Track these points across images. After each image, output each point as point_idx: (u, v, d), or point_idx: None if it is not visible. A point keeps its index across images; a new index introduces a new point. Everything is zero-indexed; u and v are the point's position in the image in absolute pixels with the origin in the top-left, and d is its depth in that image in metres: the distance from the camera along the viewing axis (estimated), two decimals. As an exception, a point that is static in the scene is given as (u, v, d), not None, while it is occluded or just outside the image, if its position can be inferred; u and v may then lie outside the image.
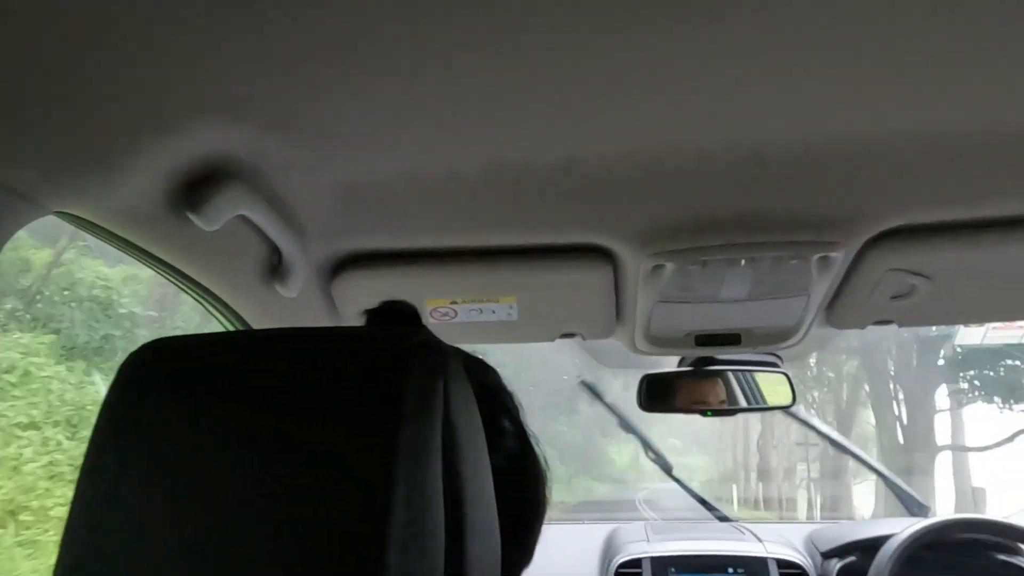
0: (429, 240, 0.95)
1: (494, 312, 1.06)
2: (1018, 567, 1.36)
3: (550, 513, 0.63)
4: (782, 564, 1.39)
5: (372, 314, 0.53)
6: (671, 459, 2.06)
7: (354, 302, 1.02)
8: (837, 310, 1.06)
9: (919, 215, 0.86)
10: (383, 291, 1.02)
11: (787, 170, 0.77)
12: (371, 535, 0.41)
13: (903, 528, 1.19)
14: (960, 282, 0.96)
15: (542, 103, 0.65)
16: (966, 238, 0.88)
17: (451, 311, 1.05)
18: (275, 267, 0.86)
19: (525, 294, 1.02)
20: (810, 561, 1.42)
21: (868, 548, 1.37)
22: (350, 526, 0.41)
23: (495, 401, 0.61)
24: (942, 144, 0.72)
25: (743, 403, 1.32)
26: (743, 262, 0.91)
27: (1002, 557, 1.38)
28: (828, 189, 0.81)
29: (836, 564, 1.40)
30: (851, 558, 1.40)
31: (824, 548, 1.44)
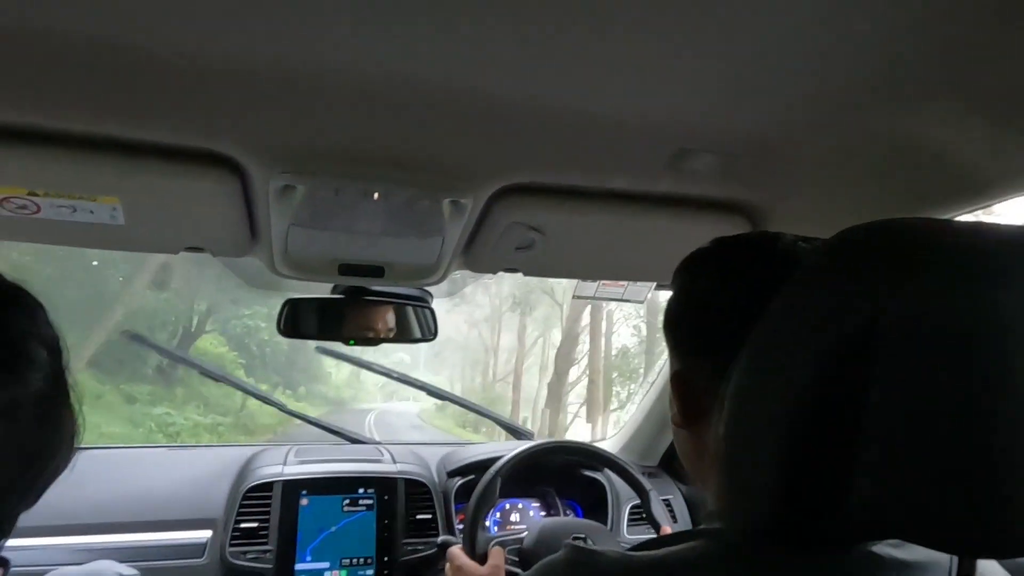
0: None
1: (92, 212, 0.90)
2: (598, 480, 1.65)
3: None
4: (409, 483, 1.49)
5: None
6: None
7: None
8: (472, 254, 1.12)
9: (538, 175, 0.93)
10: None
11: (425, 113, 0.76)
12: None
13: (508, 451, 1.35)
14: (570, 241, 1.08)
15: None
16: (575, 203, 0.99)
17: (31, 204, 0.86)
18: None
19: (131, 197, 0.88)
20: (436, 479, 1.55)
21: (484, 467, 1.54)
22: None
23: (19, 327, 0.51)
24: (562, 117, 0.77)
25: (389, 334, 1.35)
26: (376, 195, 0.90)
27: (588, 473, 1.67)
28: (461, 139, 0.82)
29: (457, 482, 1.55)
30: (471, 476, 1.55)
31: (450, 468, 1.58)
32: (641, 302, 1.43)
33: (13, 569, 1.22)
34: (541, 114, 0.77)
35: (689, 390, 0.64)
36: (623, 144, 0.85)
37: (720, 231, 1.01)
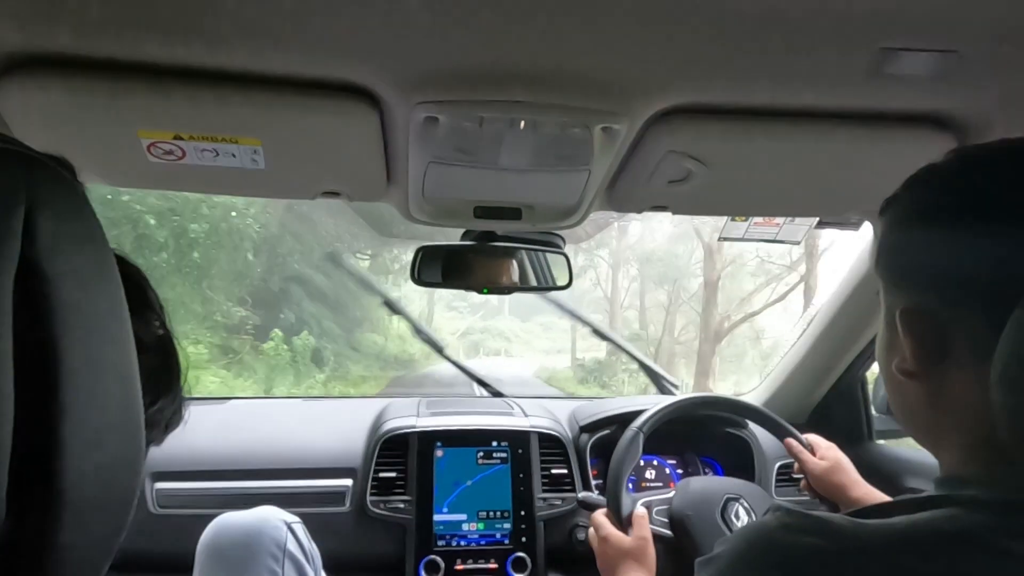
0: (140, 48, 0.72)
1: (234, 156, 0.87)
2: (741, 437, 1.54)
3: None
4: (543, 437, 1.44)
5: None
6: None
7: (28, 123, 0.78)
8: (617, 190, 1.02)
9: (705, 93, 0.81)
10: (75, 111, 0.79)
11: (576, 25, 0.66)
12: None
13: (650, 405, 1.27)
14: (736, 171, 0.95)
15: None
16: (746, 124, 0.86)
17: (176, 149, 0.85)
18: None
19: (272, 137, 0.84)
20: (569, 434, 1.49)
21: (620, 422, 1.46)
22: None
23: (139, 278, 0.56)
24: (743, 13, 0.65)
25: (521, 282, 1.28)
26: (523, 124, 0.81)
27: (729, 430, 1.55)
28: (619, 53, 0.72)
29: (591, 437, 1.48)
30: (605, 431, 1.48)
31: (583, 422, 1.51)
32: (797, 242, 1.28)
33: (179, 511, 1.29)
34: (716, 11, 0.64)
35: (930, 331, 0.52)
36: (813, 47, 0.71)
37: (920, 151, 0.84)
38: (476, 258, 1.25)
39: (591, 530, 1.12)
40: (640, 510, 1.09)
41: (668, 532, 1.16)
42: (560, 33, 0.68)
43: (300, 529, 1.05)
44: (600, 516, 1.11)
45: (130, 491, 0.41)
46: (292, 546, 1.01)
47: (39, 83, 0.74)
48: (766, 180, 1.00)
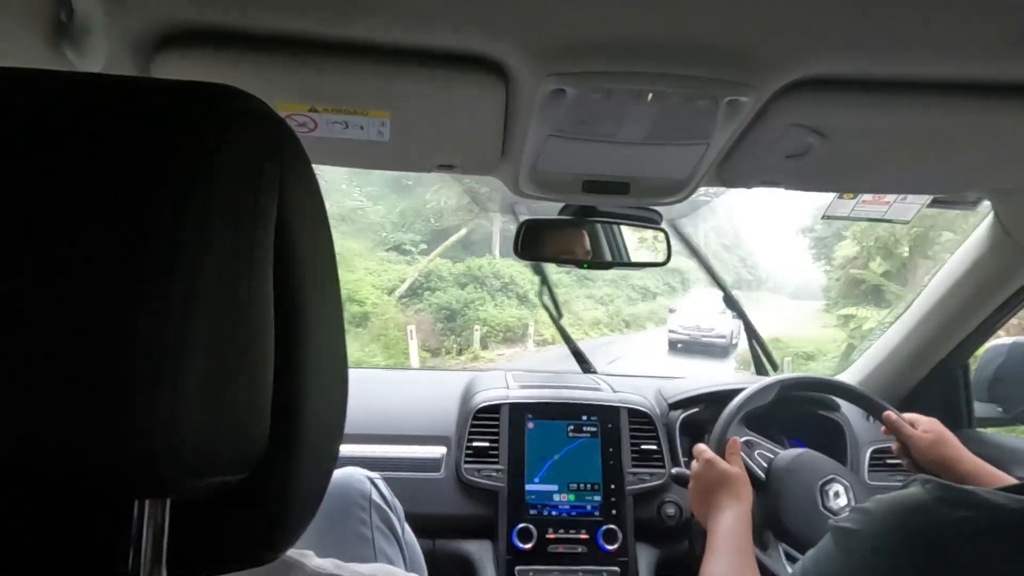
0: (281, 20, 0.75)
1: (362, 128, 0.90)
2: (833, 420, 1.51)
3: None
4: (632, 413, 1.45)
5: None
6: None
7: None
8: (730, 165, 1.01)
9: (839, 64, 0.79)
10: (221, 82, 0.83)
11: None
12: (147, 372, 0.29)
13: (746, 384, 1.26)
14: (856, 146, 0.93)
15: None
16: (877, 97, 0.84)
17: (310, 121, 0.88)
18: (63, 24, 0.65)
19: (401, 109, 0.87)
20: (658, 411, 1.49)
21: (710, 400, 1.46)
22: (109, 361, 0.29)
23: None
24: None
25: (622, 257, 1.29)
26: (650, 96, 0.82)
27: (821, 412, 1.53)
28: (754, 23, 0.71)
29: (681, 414, 1.48)
30: (694, 409, 1.48)
31: (671, 399, 1.51)
32: (907, 222, 1.24)
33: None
34: None
35: None
36: (959, 13, 0.68)
37: None
38: (576, 231, 1.26)
39: (694, 461, 1.14)
40: (738, 443, 1.14)
41: (762, 475, 1.19)
42: (697, 3, 0.68)
43: (382, 484, 1.10)
44: (702, 445, 1.16)
45: (342, 404, 0.44)
46: (376, 498, 1.06)
47: (190, 57, 0.78)
48: (888, 156, 0.97)
